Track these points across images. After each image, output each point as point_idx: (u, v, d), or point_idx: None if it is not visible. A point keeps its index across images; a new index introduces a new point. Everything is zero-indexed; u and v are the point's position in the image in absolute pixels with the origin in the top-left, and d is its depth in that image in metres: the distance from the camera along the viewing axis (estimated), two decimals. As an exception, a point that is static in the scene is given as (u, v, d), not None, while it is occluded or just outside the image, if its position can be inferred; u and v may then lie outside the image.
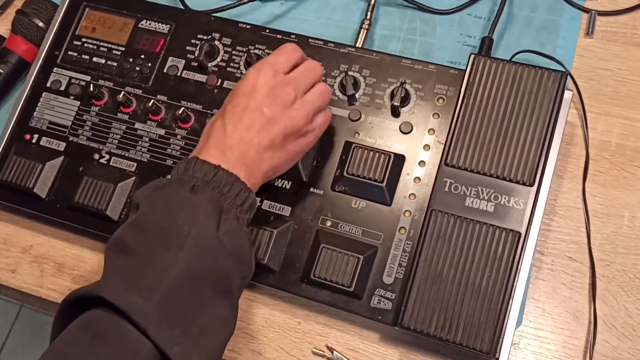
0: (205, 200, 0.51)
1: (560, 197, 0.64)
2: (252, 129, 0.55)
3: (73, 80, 0.71)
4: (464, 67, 0.61)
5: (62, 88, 0.71)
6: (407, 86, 0.64)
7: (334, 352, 0.62)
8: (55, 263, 0.69)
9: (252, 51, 0.67)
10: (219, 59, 0.69)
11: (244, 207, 0.54)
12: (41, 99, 0.71)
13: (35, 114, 0.71)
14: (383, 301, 0.59)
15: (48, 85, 0.71)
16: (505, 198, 0.57)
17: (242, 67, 0.68)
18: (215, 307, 0.50)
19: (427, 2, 0.73)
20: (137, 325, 0.46)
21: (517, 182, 0.57)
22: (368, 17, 0.71)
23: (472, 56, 0.60)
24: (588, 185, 0.64)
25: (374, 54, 0.66)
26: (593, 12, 0.70)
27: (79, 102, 0.70)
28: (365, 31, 0.70)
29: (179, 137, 0.67)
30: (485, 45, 0.67)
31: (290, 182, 0.63)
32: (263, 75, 0.56)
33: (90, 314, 0.48)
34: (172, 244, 0.49)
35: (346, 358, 0.61)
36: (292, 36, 0.68)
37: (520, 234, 0.56)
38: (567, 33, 0.70)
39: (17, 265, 0.70)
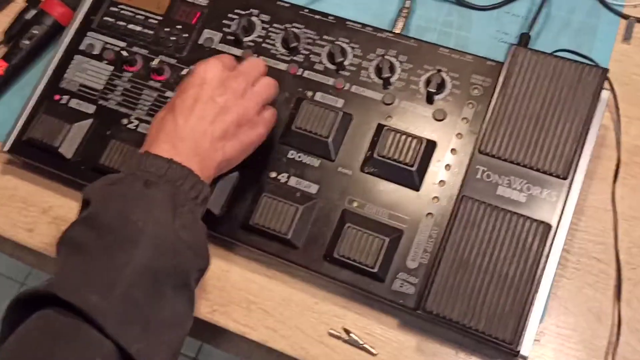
0: (160, 194, 0.50)
1: (590, 198, 0.63)
2: (205, 120, 0.55)
3: (107, 45, 0.71)
4: (501, 61, 0.61)
5: (96, 52, 0.71)
6: (444, 74, 0.63)
7: (351, 334, 0.61)
8: (73, 226, 0.68)
9: (289, 29, 0.67)
10: (255, 35, 0.69)
11: (198, 201, 0.53)
12: (73, 62, 0.71)
13: (66, 75, 0.70)
14: (405, 285, 0.58)
15: (82, 48, 0.71)
16: (537, 189, 0.57)
17: (278, 44, 0.68)
18: (174, 302, 0.49)
19: (465, -3, 0.73)
20: (95, 324, 0.44)
21: (551, 174, 0.57)
22: (407, 5, 0.71)
23: (513, 47, 0.60)
24: (618, 188, 0.63)
25: (412, 40, 0.66)
26: (632, 18, 0.70)
27: (112, 67, 0.70)
28: (404, 19, 0.70)
29: (209, 108, 0.66)
30: (523, 42, 0.67)
31: (319, 160, 0.63)
32: (212, 68, 0.57)
33: (44, 314, 0.46)
34: (128, 240, 0.48)
35: (362, 341, 0.60)
36: (331, 17, 0.68)
37: (551, 226, 0.55)
38: (604, 37, 0.70)
39: (35, 225, 0.69)
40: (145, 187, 0.50)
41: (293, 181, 0.63)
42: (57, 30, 0.75)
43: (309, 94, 0.65)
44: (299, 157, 0.63)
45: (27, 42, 0.74)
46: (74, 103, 0.69)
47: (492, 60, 0.64)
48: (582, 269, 0.61)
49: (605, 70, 0.58)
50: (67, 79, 0.70)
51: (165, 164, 0.52)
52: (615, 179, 0.64)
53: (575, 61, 0.59)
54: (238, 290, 0.64)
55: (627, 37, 0.69)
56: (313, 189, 0.62)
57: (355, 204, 0.61)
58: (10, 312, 0.47)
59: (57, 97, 0.69)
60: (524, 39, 0.67)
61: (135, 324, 0.46)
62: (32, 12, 0.75)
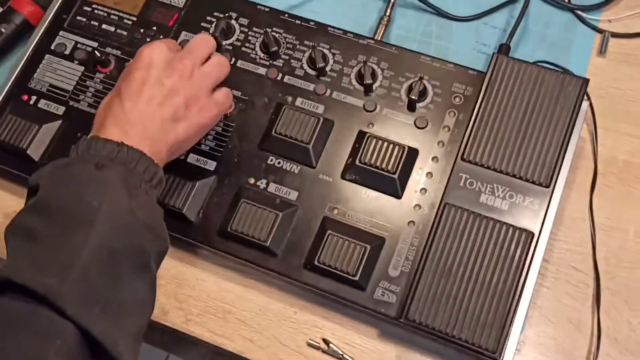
0: (113, 175, 0.49)
1: (567, 208, 0.64)
2: (153, 101, 0.53)
3: (79, 45, 0.68)
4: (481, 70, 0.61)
5: (67, 52, 0.68)
6: (425, 82, 0.63)
7: (330, 344, 0.59)
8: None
9: (269, 33, 0.66)
10: (234, 38, 0.67)
11: (153, 183, 0.52)
12: (43, 61, 0.68)
13: (35, 75, 0.68)
14: (387, 294, 0.57)
15: (52, 48, 0.69)
16: (520, 197, 0.57)
17: (257, 48, 0.67)
18: (134, 283, 0.47)
19: (444, 7, 0.73)
20: (54, 307, 0.42)
21: (534, 183, 0.57)
22: (388, 13, 0.71)
23: (495, 55, 0.60)
24: (595, 198, 0.64)
25: (393, 48, 0.66)
26: (607, 32, 0.71)
27: (83, 68, 0.67)
28: (384, 27, 0.70)
29: (186, 111, 0.65)
30: (503, 52, 0.67)
31: (299, 167, 0.62)
32: (157, 51, 0.56)
33: None
34: (83, 220, 0.46)
35: (342, 352, 0.59)
36: (312, 23, 0.67)
37: (533, 234, 0.55)
38: (580, 50, 0.71)
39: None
40: (97, 169, 0.49)
41: (272, 187, 0.61)
42: (26, 29, 0.72)
43: (289, 99, 0.64)
44: (279, 163, 0.62)
45: (-7, 40, 0.71)
46: (43, 104, 0.66)
47: (474, 70, 0.64)
48: (561, 279, 0.61)
49: (586, 81, 0.58)
50: (37, 79, 0.67)
51: (116, 147, 0.50)
52: (592, 190, 0.64)
53: (557, 70, 0.59)
54: (213, 300, 0.62)
55: (602, 51, 0.70)
56: (293, 195, 0.61)
57: (336, 212, 0.60)
58: None
59: (25, 97, 0.67)
60: (504, 49, 0.67)
61: (95, 304, 0.44)
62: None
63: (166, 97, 0.54)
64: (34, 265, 0.45)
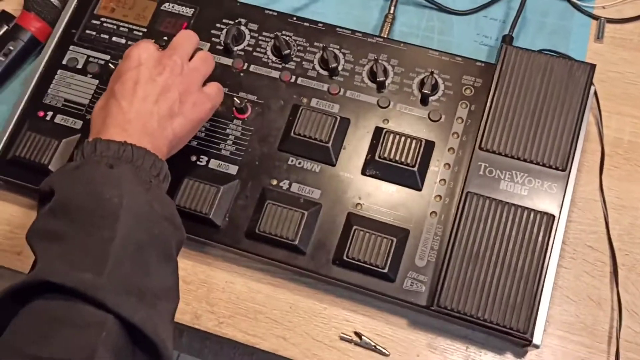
0: (125, 172, 0.50)
1: (579, 190, 0.66)
2: (148, 100, 0.55)
3: (91, 59, 0.69)
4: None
5: (80, 66, 0.69)
6: (436, 76, 0.65)
7: (363, 337, 0.61)
8: (64, 246, 0.66)
9: (280, 36, 0.67)
10: (245, 44, 0.68)
11: (160, 178, 0.53)
12: (56, 77, 0.69)
13: (49, 91, 0.68)
14: (416, 284, 0.59)
15: (64, 62, 0.69)
16: (538, 182, 0.59)
17: (269, 52, 0.68)
18: (161, 272, 0.49)
19: (444, 2, 0.75)
20: (93, 301, 0.43)
21: (550, 167, 0.59)
22: (392, 10, 0.72)
23: (505, 46, 0.62)
24: (604, 179, 0.66)
25: (401, 45, 0.67)
26: (602, 19, 0.73)
27: (97, 81, 0.68)
28: (389, 24, 0.72)
29: (203, 118, 0.66)
30: (507, 42, 0.69)
31: (319, 166, 0.63)
32: (145, 50, 0.57)
33: (36, 303, 0.44)
34: (107, 216, 0.47)
35: (375, 343, 0.61)
36: (320, 25, 0.69)
37: (554, 216, 0.57)
38: (578, 37, 0.73)
39: (23, 247, 0.66)
40: (109, 168, 0.50)
41: (295, 187, 0.63)
42: (34, 45, 0.72)
43: (304, 100, 0.66)
44: (299, 163, 0.63)
45: (2, 58, 0.71)
46: (60, 119, 0.67)
47: (481, 61, 0.66)
48: (579, 258, 0.64)
49: (594, 66, 0.61)
50: (51, 94, 0.68)
51: (121, 146, 0.51)
52: (601, 171, 0.66)
53: (565, 57, 0.61)
54: (244, 301, 0.63)
55: (599, 36, 0.73)
56: (316, 194, 0.62)
57: (359, 207, 0.62)
58: None
59: (41, 113, 0.67)
60: (507, 40, 0.69)
61: (131, 294, 0.45)
62: (5, 28, 0.72)
63: (160, 94, 0.55)
64: (67, 264, 0.45)
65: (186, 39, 0.60)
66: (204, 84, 0.60)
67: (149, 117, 0.54)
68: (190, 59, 0.59)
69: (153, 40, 0.61)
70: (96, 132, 0.54)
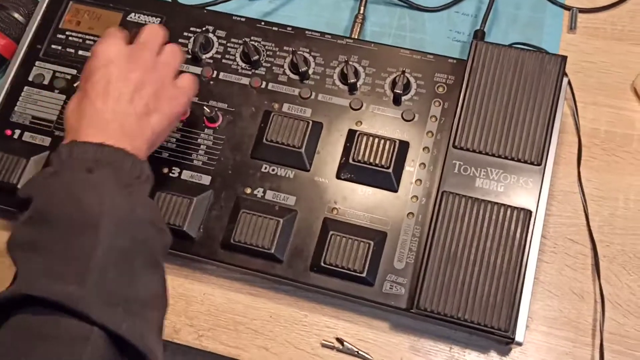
0: (105, 177, 0.48)
1: (557, 182, 0.65)
2: (123, 99, 0.53)
3: (57, 74, 0.68)
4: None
5: (46, 82, 0.68)
6: (408, 75, 0.64)
7: (344, 343, 0.60)
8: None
9: (249, 42, 0.66)
10: (213, 51, 0.67)
11: (142, 179, 0.51)
12: (23, 94, 0.67)
13: (16, 109, 0.67)
14: (395, 286, 0.58)
15: (30, 79, 0.68)
16: (514, 177, 0.58)
17: (238, 59, 0.67)
18: (147, 279, 0.48)
19: (414, 0, 0.74)
20: (76, 314, 0.42)
21: (525, 162, 0.58)
22: (361, 11, 0.72)
23: (475, 42, 0.62)
24: (582, 170, 0.66)
25: (372, 45, 0.66)
26: (574, 9, 0.73)
27: (64, 96, 0.67)
28: (360, 24, 0.71)
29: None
30: (479, 38, 0.69)
31: (293, 172, 0.62)
32: (114, 46, 0.55)
33: (18, 318, 0.43)
34: (87, 224, 0.46)
35: (357, 349, 0.60)
36: (289, 28, 0.68)
37: (531, 212, 0.57)
38: (551, 29, 0.73)
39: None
40: (87, 172, 0.48)
41: (270, 195, 0.62)
42: (-1, 62, 0.71)
43: (276, 106, 0.65)
44: (273, 170, 0.62)
45: (-33, 77, 0.70)
46: (28, 136, 0.66)
47: (453, 58, 0.65)
48: (560, 252, 0.63)
49: (565, 58, 0.60)
50: (18, 112, 0.67)
51: (98, 148, 0.50)
52: (579, 163, 0.66)
53: (535, 50, 0.61)
54: (223, 312, 0.62)
55: (572, 27, 0.72)
56: (291, 200, 0.61)
57: (335, 212, 0.61)
58: None
59: (8, 132, 0.66)
60: (479, 35, 0.68)
61: (117, 305, 0.44)
62: (-30, 46, 0.71)
63: (134, 92, 0.53)
64: (48, 275, 0.44)
65: (154, 33, 0.58)
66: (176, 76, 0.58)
67: (125, 116, 0.52)
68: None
69: (120, 28, 0.58)
70: (72, 134, 0.52)
